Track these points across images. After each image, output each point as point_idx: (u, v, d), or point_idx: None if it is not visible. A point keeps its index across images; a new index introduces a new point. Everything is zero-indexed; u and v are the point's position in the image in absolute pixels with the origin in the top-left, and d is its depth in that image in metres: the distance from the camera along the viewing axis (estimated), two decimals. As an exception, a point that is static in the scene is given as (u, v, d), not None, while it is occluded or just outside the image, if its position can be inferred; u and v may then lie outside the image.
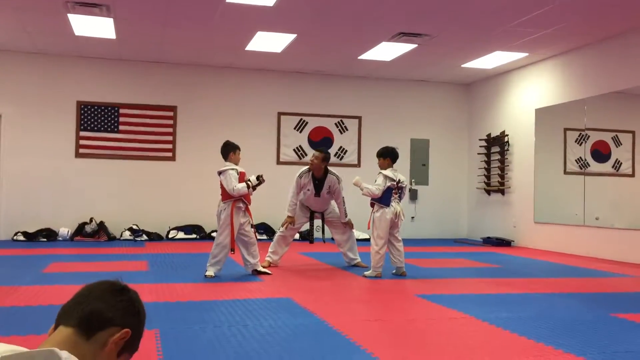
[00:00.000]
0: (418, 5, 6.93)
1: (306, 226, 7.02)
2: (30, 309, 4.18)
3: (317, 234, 6.91)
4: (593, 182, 10.24)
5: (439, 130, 11.51)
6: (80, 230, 9.57)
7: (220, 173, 5.87)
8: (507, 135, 10.48)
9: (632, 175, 10.28)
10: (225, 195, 5.83)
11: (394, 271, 6.15)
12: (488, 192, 10.96)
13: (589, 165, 9.90)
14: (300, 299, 4.65)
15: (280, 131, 10.72)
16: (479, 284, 5.75)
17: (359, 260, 6.77)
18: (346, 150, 10.97)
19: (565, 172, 10.12)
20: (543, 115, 9.94)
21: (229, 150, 5.97)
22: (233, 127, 10.33)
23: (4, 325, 3.67)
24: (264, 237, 9.76)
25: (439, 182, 11.46)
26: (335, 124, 10.97)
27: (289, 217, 6.63)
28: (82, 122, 9.90)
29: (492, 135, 10.84)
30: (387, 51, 9.07)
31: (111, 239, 9.61)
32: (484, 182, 10.98)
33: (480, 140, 11.07)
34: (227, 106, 10.50)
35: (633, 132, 10.07)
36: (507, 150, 10.49)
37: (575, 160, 10.16)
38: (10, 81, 9.61)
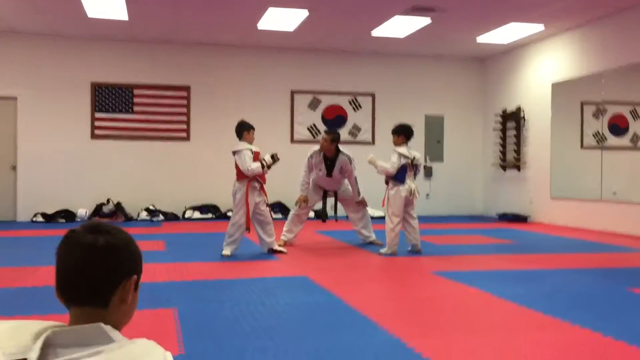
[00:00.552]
0: (431, -21, 6.82)
1: (319, 204, 7.05)
2: (49, 289, 4.24)
3: (330, 213, 6.93)
4: (610, 157, 10.10)
5: (453, 107, 11.41)
6: (97, 211, 9.68)
7: (234, 153, 5.89)
8: (523, 110, 10.37)
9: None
10: (240, 174, 5.85)
11: (409, 248, 6.16)
12: (504, 167, 10.88)
13: (607, 139, 9.77)
14: (317, 277, 4.68)
15: (294, 109, 10.69)
16: (495, 261, 5.75)
17: (374, 237, 6.78)
18: (360, 128, 10.92)
19: (582, 147, 10.00)
20: (559, 89, 9.80)
21: (243, 129, 5.97)
22: (246, 106, 10.32)
23: (25, 305, 3.74)
24: (279, 215, 9.80)
25: (454, 158, 11.39)
26: (349, 101, 10.91)
27: (302, 196, 6.65)
28: (96, 103, 9.95)
29: (507, 111, 10.72)
30: (400, 27, 8.96)
31: (128, 219, 9.71)
32: (500, 158, 10.89)
33: (495, 115, 10.96)
34: (240, 85, 10.49)
35: (651, 105, 9.92)
36: (523, 125, 10.38)
37: (593, 135, 10.03)
38: (24, 64, 9.66)
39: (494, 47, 10.39)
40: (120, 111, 10.03)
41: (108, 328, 1.16)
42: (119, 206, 9.76)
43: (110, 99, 9.99)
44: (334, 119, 10.75)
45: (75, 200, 9.74)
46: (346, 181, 6.77)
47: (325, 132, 6.79)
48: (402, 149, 6.01)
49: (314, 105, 10.73)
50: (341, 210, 6.99)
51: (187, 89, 10.29)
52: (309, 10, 8.12)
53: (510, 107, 10.65)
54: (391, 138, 6.19)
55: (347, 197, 6.79)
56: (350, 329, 3.19)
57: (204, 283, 4.53)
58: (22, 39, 9.60)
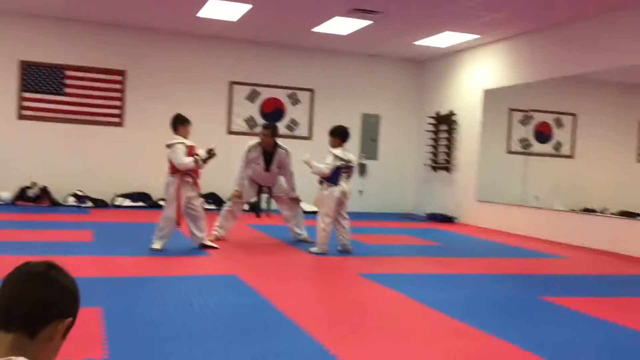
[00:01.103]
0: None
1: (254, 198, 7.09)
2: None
3: (264, 206, 6.98)
4: (534, 162, 10.64)
5: (390, 106, 11.65)
6: (21, 195, 9.33)
7: (168, 146, 5.84)
8: (454, 114, 10.72)
9: (571, 156, 10.73)
10: (173, 168, 5.81)
11: (339, 248, 6.30)
12: (435, 169, 11.23)
13: (532, 146, 10.29)
14: (246, 276, 4.73)
15: (232, 101, 10.64)
16: (420, 263, 5.97)
17: (305, 235, 6.89)
18: (298, 123, 10.99)
19: (509, 152, 10.47)
20: (490, 96, 10.20)
21: (178, 123, 5.92)
22: (184, 94, 10.18)
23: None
24: (212, 207, 9.75)
25: (388, 157, 11.65)
26: (288, 95, 10.95)
27: (236, 191, 6.67)
28: (24, 83, 9.56)
29: (440, 114, 11.06)
30: (342, 26, 9.08)
31: (54, 204, 9.41)
32: (431, 159, 11.24)
33: (429, 117, 11.28)
34: (178, 73, 10.32)
35: (574, 115, 10.48)
36: (454, 129, 10.74)
37: (519, 140, 10.52)
38: (-53, 36, 9.16)
39: (431, 50, 10.67)
40: (50, 92, 9.67)
41: (21, 359, 1.19)
42: (44, 190, 9.44)
43: (39, 79, 9.61)
44: (272, 112, 10.77)
45: (-1, 183, 9.35)
46: (281, 178, 6.83)
47: (263, 127, 6.83)
48: (338, 151, 6.13)
49: (252, 97, 10.71)
50: (274, 205, 7.05)
51: (122, 73, 10.03)
52: (252, 4, 8.09)
53: (444, 111, 10.99)
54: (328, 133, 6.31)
55: (280, 193, 6.86)
56: (276, 335, 3.27)
57: (132, 280, 4.50)
58: (-54, 10, 9.09)
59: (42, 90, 9.62)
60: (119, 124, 10.05)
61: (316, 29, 9.37)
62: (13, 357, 1.18)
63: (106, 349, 2.87)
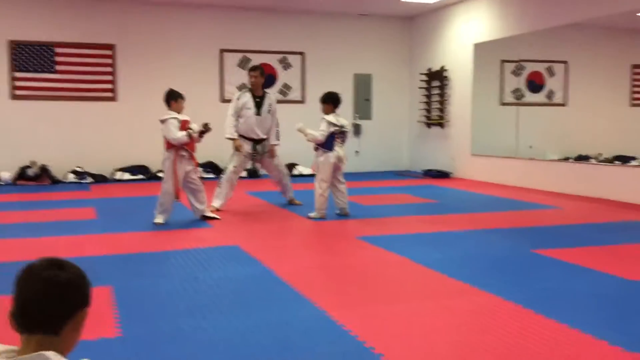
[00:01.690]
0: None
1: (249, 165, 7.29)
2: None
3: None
4: (528, 113, 10.71)
5: (381, 65, 11.65)
6: (22, 174, 9.44)
7: (162, 122, 5.91)
8: (446, 69, 10.73)
9: (564, 104, 10.80)
10: (168, 144, 5.90)
11: (337, 212, 6.44)
12: (428, 125, 11.31)
13: (525, 96, 10.34)
14: (248, 246, 4.89)
15: (223, 69, 10.63)
16: (417, 223, 6.13)
17: (292, 196, 7.13)
18: (290, 87, 11.01)
19: (502, 104, 10.53)
20: (481, 49, 10.20)
21: (171, 99, 5.98)
22: (175, 65, 10.18)
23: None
24: (211, 175, 9.87)
25: (382, 116, 11.71)
26: (279, 60, 10.94)
27: (236, 141, 6.69)
28: (15, 62, 9.54)
29: (432, 70, 11.07)
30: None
31: (55, 182, 9.53)
32: (425, 115, 11.30)
33: (421, 74, 11.29)
34: (168, 44, 10.29)
35: (565, 62, 10.50)
36: (447, 84, 10.78)
37: (511, 92, 10.56)
38: None
39: (420, 6, 10.61)
40: (42, 71, 9.67)
41: (51, 354, 1.29)
42: (44, 169, 9.54)
43: (29, 58, 9.59)
44: (265, 78, 10.75)
45: (-2, 164, 9.44)
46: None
47: (251, 69, 7.01)
48: (331, 117, 6.21)
49: (243, 64, 10.70)
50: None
51: (111, 47, 10.00)
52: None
53: (435, 67, 11.00)
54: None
55: (266, 158, 6.94)
56: (279, 303, 3.43)
57: (139, 256, 4.65)
58: None
59: (33, 69, 9.62)
60: (112, 99, 10.08)
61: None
62: (43, 352, 1.30)
63: (119, 327, 3.02)
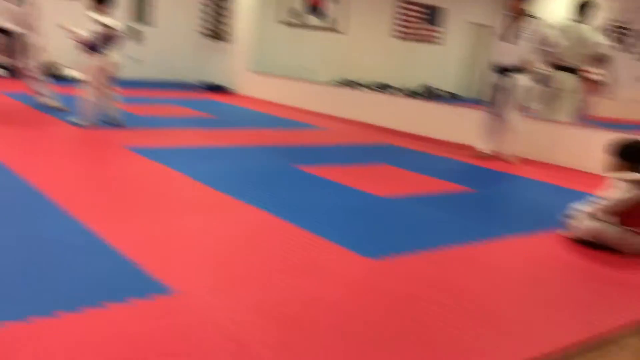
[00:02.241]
0: None
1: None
2: None
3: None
4: (308, 36, 11.12)
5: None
6: None
7: None
8: (230, -18, 10.54)
9: (344, 33, 11.43)
10: None
11: (106, 119, 6.11)
12: (212, 37, 11.12)
13: (307, 19, 10.70)
14: (1, 156, 4.42)
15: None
16: (189, 135, 6.10)
17: (47, 99, 6.70)
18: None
19: (288, 25, 10.75)
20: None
21: None
22: None
23: None
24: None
25: (166, 24, 11.17)
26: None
27: None
28: None
29: (218, -20, 10.77)
30: None
31: None
32: (208, 28, 11.06)
33: (206, -17, 10.93)
34: None
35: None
36: (232, -2, 10.63)
37: (294, 13, 10.83)
38: None
39: None
40: None
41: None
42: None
43: None
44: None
45: None
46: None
47: None
48: (97, 15, 5.73)
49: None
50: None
51: None
52: None
53: (221, -23, 10.71)
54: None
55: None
56: (33, 216, 3.20)
57: None
58: None
59: None
60: None
61: None
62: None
63: None
